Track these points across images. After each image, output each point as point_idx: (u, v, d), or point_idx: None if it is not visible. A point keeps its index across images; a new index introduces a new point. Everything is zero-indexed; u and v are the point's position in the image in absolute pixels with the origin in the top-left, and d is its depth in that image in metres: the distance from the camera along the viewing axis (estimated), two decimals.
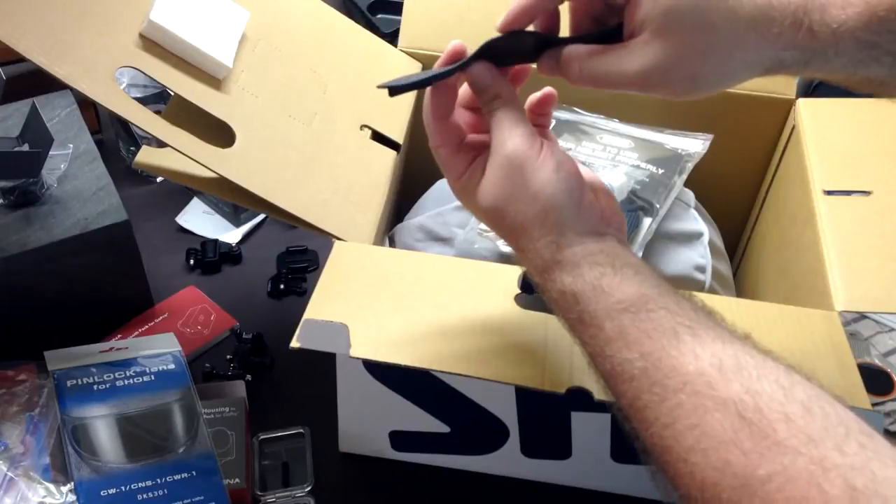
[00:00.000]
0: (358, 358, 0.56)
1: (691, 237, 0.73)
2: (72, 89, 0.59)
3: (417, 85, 0.52)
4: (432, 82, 0.51)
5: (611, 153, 0.74)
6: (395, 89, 0.51)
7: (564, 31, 0.52)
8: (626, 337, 0.44)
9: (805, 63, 0.47)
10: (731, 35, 0.45)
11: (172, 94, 0.65)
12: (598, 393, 0.54)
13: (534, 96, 0.54)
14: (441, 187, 0.81)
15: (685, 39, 0.45)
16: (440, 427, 0.69)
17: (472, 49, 0.51)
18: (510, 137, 0.48)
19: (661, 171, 0.72)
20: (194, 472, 0.67)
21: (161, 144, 0.62)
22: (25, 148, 0.75)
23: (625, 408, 0.44)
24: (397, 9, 0.84)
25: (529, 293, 0.60)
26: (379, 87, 0.51)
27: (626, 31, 0.48)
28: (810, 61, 0.47)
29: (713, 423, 0.39)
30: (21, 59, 0.57)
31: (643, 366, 0.42)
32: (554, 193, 0.48)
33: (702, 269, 0.71)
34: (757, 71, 0.47)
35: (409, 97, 0.80)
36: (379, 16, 1.08)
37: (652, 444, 0.42)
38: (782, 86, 0.79)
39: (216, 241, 0.92)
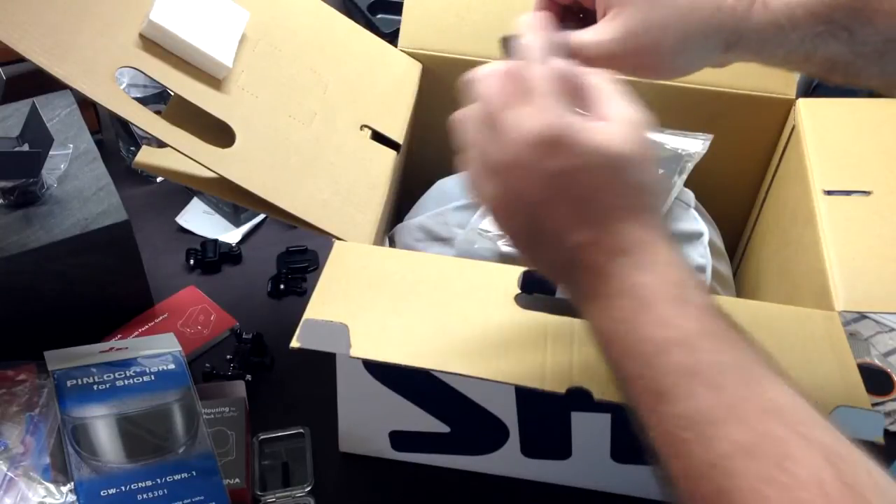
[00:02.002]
0: (358, 358, 0.56)
1: (691, 237, 0.73)
2: (72, 89, 0.59)
3: None
4: None
5: None
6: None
7: None
8: (728, 340, 0.40)
9: (764, 40, 0.48)
10: (687, 5, 0.48)
11: (172, 94, 0.65)
12: (599, 393, 0.54)
13: None
14: (441, 187, 0.81)
15: (645, 11, 0.48)
16: (440, 427, 0.69)
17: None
18: (628, 100, 0.45)
19: (660, 172, 0.72)
20: (194, 472, 0.67)
21: (161, 144, 0.62)
22: (25, 148, 0.75)
23: (681, 414, 0.38)
24: (397, 9, 0.84)
25: (529, 293, 0.60)
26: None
27: (598, 13, 0.51)
28: (769, 38, 0.48)
29: (799, 458, 0.35)
30: (21, 59, 0.57)
31: (735, 376, 0.38)
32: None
33: (702, 269, 0.71)
34: (719, 46, 0.49)
35: (410, 97, 0.80)
36: (379, 16, 1.08)
37: (709, 464, 0.37)
38: (782, 86, 0.79)
39: (216, 241, 0.92)
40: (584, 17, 0.53)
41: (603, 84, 0.45)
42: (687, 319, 0.40)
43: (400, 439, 0.72)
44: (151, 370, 0.73)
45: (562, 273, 0.45)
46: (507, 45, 0.49)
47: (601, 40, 0.49)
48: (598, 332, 0.43)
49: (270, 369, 0.80)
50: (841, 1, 0.47)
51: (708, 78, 0.76)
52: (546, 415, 0.66)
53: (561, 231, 0.43)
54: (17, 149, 0.75)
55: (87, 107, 0.93)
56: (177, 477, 0.66)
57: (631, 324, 0.41)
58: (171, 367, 0.74)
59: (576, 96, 0.44)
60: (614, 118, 0.43)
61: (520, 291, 0.60)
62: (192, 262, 0.90)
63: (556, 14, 0.54)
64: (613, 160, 0.42)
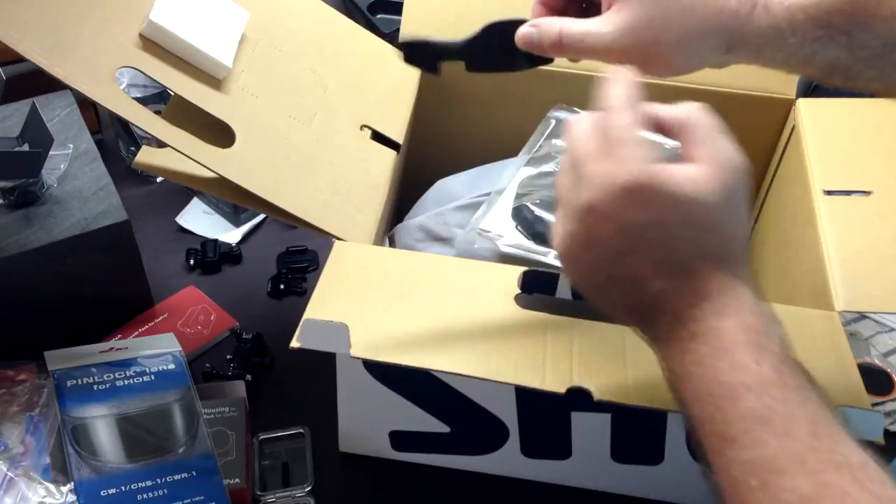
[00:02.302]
0: (358, 358, 0.56)
1: None
2: (72, 89, 0.59)
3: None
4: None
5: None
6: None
7: None
8: (803, 393, 0.39)
9: (764, 43, 0.48)
10: (690, 4, 0.48)
11: (172, 94, 0.65)
12: (598, 393, 0.54)
13: None
14: (441, 187, 0.81)
15: (648, 7, 0.48)
16: (440, 427, 0.69)
17: None
18: (725, 139, 0.44)
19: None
20: (194, 472, 0.67)
21: (161, 144, 0.62)
22: (25, 148, 0.75)
23: (747, 460, 0.38)
24: (397, 9, 0.84)
25: (529, 293, 0.60)
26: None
27: (602, 5, 0.51)
28: (770, 41, 0.48)
29: None
30: (21, 59, 0.57)
31: (806, 429, 0.38)
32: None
33: None
34: (719, 47, 0.49)
35: (410, 97, 0.80)
36: (379, 16, 1.08)
37: None
38: (782, 86, 0.79)
39: (216, 241, 0.92)
40: (587, 10, 0.53)
41: (699, 120, 0.44)
42: (763, 367, 0.39)
43: (400, 439, 0.72)
44: (151, 370, 0.73)
45: (637, 316, 0.45)
46: (406, 51, 0.52)
47: (603, 31, 0.49)
48: (672, 373, 0.43)
49: (270, 369, 0.80)
50: (840, 6, 0.47)
51: (708, 78, 0.76)
52: (546, 415, 0.66)
53: (641, 279, 0.43)
54: (17, 149, 0.75)
55: (87, 107, 0.93)
56: (177, 477, 0.66)
57: (706, 367, 0.41)
58: (171, 367, 0.74)
59: (671, 131, 0.45)
60: (705, 160, 0.42)
61: (520, 291, 0.60)
62: (192, 262, 0.90)
63: (559, 6, 0.54)
64: (700, 210, 0.41)
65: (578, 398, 0.54)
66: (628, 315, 0.46)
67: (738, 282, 0.42)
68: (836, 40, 0.48)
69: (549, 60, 0.55)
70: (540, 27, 0.52)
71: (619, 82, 0.45)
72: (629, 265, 0.43)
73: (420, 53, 0.53)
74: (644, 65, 0.49)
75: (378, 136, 0.75)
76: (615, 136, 0.43)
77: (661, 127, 0.45)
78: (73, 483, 0.64)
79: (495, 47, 0.54)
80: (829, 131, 0.74)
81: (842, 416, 0.40)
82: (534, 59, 0.54)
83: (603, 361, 0.56)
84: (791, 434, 0.38)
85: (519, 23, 0.54)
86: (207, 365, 0.79)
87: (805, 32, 0.48)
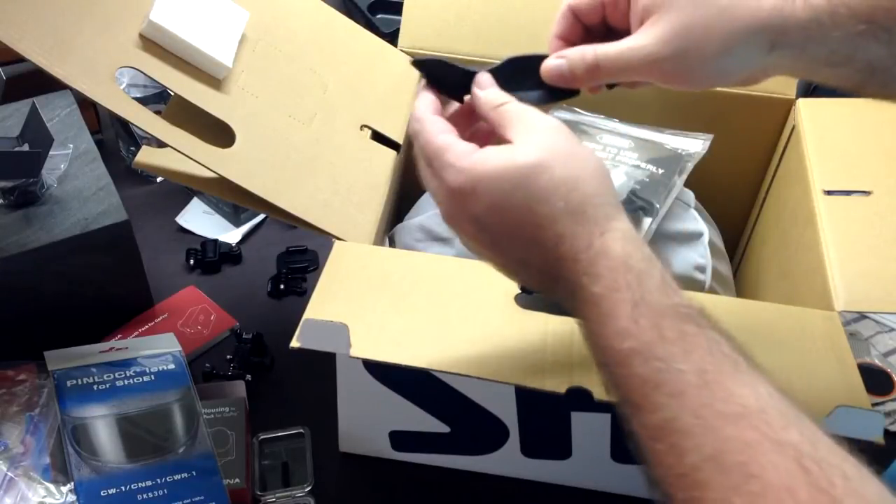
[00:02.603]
0: (358, 358, 0.56)
1: (691, 237, 0.73)
2: (72, 89, 0.59)
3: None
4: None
5: (611, 153, 0.74)
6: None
7: None
8: (685, 344, 0.39)
9: (807, 38, 0.47)
10: (729, 4, 0.47)
11: (172, 94, 0.65)
12: (599, 393, 0.54)
13: None
14: None
15: (688, 13, 0.47)
16: (440, 427, 0.69)
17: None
18: (541, 115, 0.46)
19: (661, 171, 0.72)
20: (194, 472, 0.67)
21: (161, 144, 0.62)
22: (25, 148, 0.75)
23: (651, 425, 0.39)
24: (397, 9, 0.84)
25: (529, 293, 0.60)
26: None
27: (633, 25, 0.50)
28: (812, 35, 0.47)
29: (767, 465, 0.34)
30: (21, 59, 0.57)
31: (696, 383, 0.38)
32: (601, 163, 0.46)
33: (702, 269, 0.71)
34: (763, 46, 0.48)
35: (410, 97, 0.80)
36: (379, 16, 1.08)
37: (680, 474, 0.37)
38: (782, 86, 0.79)
39: (216, 241, 0.92)
40: (609, 37, 0.52)
41: (507, 111, 0.47)
42: (642, 324, 0.40)
43: (400, 439, 0.72)
44: (151, 370, 0.73)
45: (547, 289, 0.47)
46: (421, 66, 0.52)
47: (642, 45, 0.48)
48: (583, 336, 0.45)
49: (270, 369, 0.80)
50: (882, 1, 0.46)
51: None
52: (546, 415, 0.66)
53: (522, 259, 0.46)
54: (17, 149, 0.75)
55: (87, 107, 0.93)
56: (177, 477, 0.66)
57: (598, 338, 0.42)
58: (171, 367, 0.74)
59: (487, 122, 0.49)
60: (517, 136, 0.45)
61: (520, 291, 0.60)
62: (192, 262, 0.90)
63: (580, 35, 0.53)
64: (520, 177, 0.44)
65: (578, 398, 0.54)
66: (543, 289, 0.48)
67: (598, 231, 0.43)
68: (878, 37, 0.47)
69: (575, 93, 0.53)
70: (569, 57, 0.51)
71: (421, 98, 0.50)
72: (506, 250, 0.46)
73: (439, 75, 0.52)
74: (688, 75, 0.49)
75: (378, 136, 0.75)
76: (429, 147, 0.47)
77: (475, 121, 0.50)
78: (73, 483, 0.64)
79: (517, 81, 0.52)
80: (829, 131, 0.74)
81: (738, 350, 0.40)
82: (558, 92, 0.53)
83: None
84: (683, 392, 0.38)
85: (541, 58, 0.52)
86: (207, 365, 0.79)
87: (847, 27, 0.47)
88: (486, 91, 0.50)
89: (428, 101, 0.50)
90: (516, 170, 0.44)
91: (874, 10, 0.46)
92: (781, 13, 0.47)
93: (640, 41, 0.48)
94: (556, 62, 0.51)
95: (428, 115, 0.49)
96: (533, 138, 0.45)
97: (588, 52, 0.50)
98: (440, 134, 0.47)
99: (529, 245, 0.45)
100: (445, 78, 0.52)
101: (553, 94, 0.53)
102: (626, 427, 0.41)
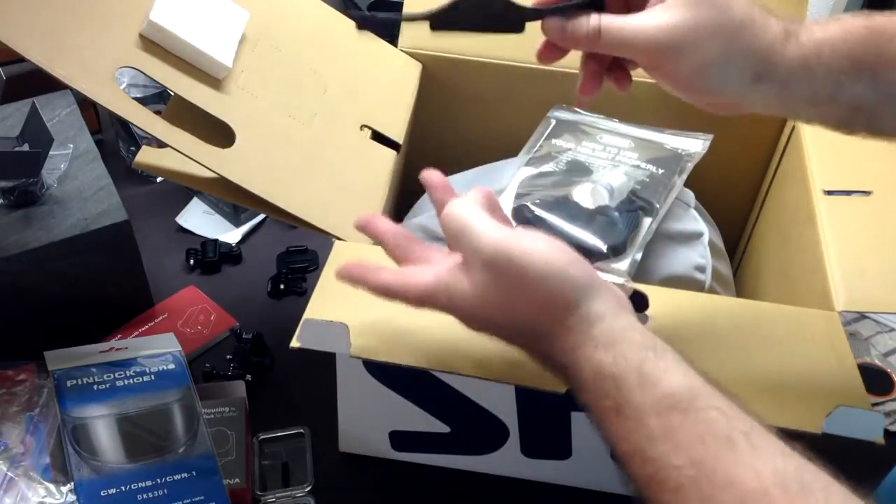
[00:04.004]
0: (358, 358, 0.56)
1: (691, 237, 0.73)
2: (72, 89, 0.59)
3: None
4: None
5: (611, 153, 0.74)
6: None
7: None
8: (675, 439, 0.39)
9: (791, 75, 0.48)
10: (739, 20, 0.47)
11: (172, 94, 0.65)
12: None
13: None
14: None
15: (701, 12, 0.47)
16: (440, 427, 0.69)
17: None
18: (480, 234, 0.45)
19: (661, 171, 0.72)
20: (194, 472, 0.67)
21: (161, 144, 0.62)
22: (25, 148, 0.75)
23: None
24: (397, 9, 0.84)
25: None
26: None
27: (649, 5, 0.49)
28: (796, 72, 0.48)
29: None
30: (21, 59, 0.57)
31: (694, 475, 0.37)
32: (563, 268, 0.45)
33: (702, 269, 0.71)
34: (749, 75, 0.48)
35: (410, 97, 0.80)
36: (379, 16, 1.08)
37: None
38: None
39: (216, 241, 0.92)
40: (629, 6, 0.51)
41: (447, 227, 0.48)
42: (632, 430, 0.41)
43: (400, 439, 0.72)
44: (151, 370, 0.73)
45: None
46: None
47: (646, 27, 0.48)
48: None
49: (270, 369, 0.80)
50: (866, 41, 0.47)
51: None
52: (546, 415, 0.66)
53: (515, 336, 0.48)
54: (17, 149, 0.75)
55: (87, 107, 0.93)
56: (177, 477, 0.66)
57: (600, 434, 0.44)
58: (171, 367, 0.74)
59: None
60: (460, 258, 0.47)
61: None
62: (192, 262, 0.90)
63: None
64: (468, 307, 0.47)
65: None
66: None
67: (568, 352, 0.44)
68: (861, 77, 0.48)
69: (518, 30, 0.52)
70: (572, 18, 0.50)
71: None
72: (505, 326, 0.48)
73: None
74: (676, 72, 0.49)
75: (378, 136, 0.75)
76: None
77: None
78: (73, 483, 0.64)
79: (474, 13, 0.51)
80: (828, 131, 0.74)
81: (733, 405, 0.40)
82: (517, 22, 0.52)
83: None
84: (683, 487, 0.38)
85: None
86: (207, 365, 0.79)
87: (831, 66, 0.47)
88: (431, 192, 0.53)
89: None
90: (481, 317, 0.47)
91: (857, 48, 0.47)
92: (774, 49, 0.48)
93: (648, 22, 0.48)
94: (560, 22, 0.50)
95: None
96: (480, 280, 0.46)
97: (594, 17, 0.49)
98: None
99: (518, 337, 0.48)
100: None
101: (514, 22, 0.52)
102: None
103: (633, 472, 0.41)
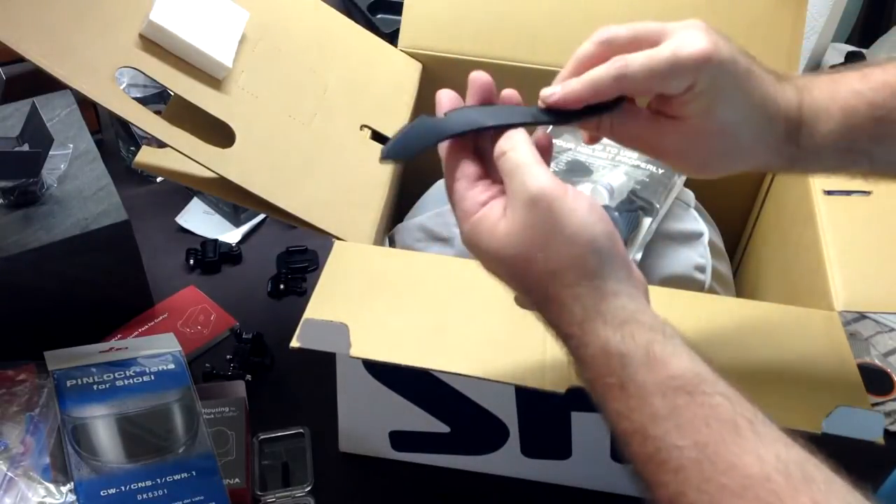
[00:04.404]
0: (358, 358, 0.56)
1: (691, 237, 0.73)
2: (72, 89, 0.59)
3: (423, 145, 0.48)
4: (442, 139, 0.48)
5: (611, 153, 0.74)
6: (396, 153, 0.48)
7: None
8: (679, 419, 0.38)
9: (790, 166, 0.50)
10: (752, 121, 0.47)
11: (172, 94, 0.65)
12: None
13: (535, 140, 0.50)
14: (441, 187, 0.81)
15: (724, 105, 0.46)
16: (440, 427, 0.69)
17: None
18: (533, 176, 0.44)
19: (661, 171, 0.72)
20: (194, 472, 0.67)
21: (161, 144, 0.62)
22: (25, 148, 0.75)
23: (663, 500, 0.38)
24: (397, 9, 0.84)
25: None
26: (381, 160, 0.49)
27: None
28: (794, 165, 0.50)
29: None
30: (21, 59, 0.57)
31: (696, 457, 0.37)
32: (594, 235, 0.43)
33: (702, 269, 0.71)
34: (749, 164, 0.49)
35: (410, 97, 0.80)
36: (379, 16, 1.08)
37: None
38: None
39: (216, 241, 0.92)
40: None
41: (508, 157, 0.46)
42: (634, 408, 0.40)
43: (400, 439, 0.72)
44: (151, 370, 0.73)
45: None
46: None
47: (666, 51, 0.45)
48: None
49: (270, 369, 0.80)
50: (866, 132, 0.48)
51: None
52: (546, 415, 0.66)
53: (527, 291, 0.47)
54: (17, 149, 0.75)
55: (87, 107, 0.93)
56: (177, 477, 0.66)
57: (601, 412, 0.43)
58: (171, 367, 0.74)
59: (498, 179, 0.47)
60: (510, 197, 0.45)
61: None
62: (192, 262, 0.90)
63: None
64: (505, 263, 0.45)
65: (578, 398, 0.54)
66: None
67: (578, 324, 0.43)
68: (857, 163, 0.50)
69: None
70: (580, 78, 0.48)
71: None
72: (512, 281, 0.47)
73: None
74: (691, 151, 0.48)
75: (378, 136, 0.75)
76: (451, 197, 0.48)
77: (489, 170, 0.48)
78: (73, 483, 0.64)
79: None
80: None
81: (738, 395, 0.40)
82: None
83: None
84: (684, 468, 0.38)
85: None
86: (207, 365, 0.79)
87: (828, 160, 0.49)
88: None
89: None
90: (501, 256, 0.45)
91: (854, 140, 0.48)
92: (774, 151, 0.49)
93: (669, 47, 0.46)
94: (554, 90, 0.48)
95: (460, 154, 0.48)
96: (517, 215, 0.44)
97: (617, 61, 0.47)
98: (460, 180, 0.47)
99: (537, 303, 0.47)
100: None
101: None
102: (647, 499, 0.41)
103: (632, 451, 0.40)
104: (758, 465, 0.36)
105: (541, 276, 0.44)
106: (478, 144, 0.49)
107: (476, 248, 0.46)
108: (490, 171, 0.48)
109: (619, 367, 0.41)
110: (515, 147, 0.45)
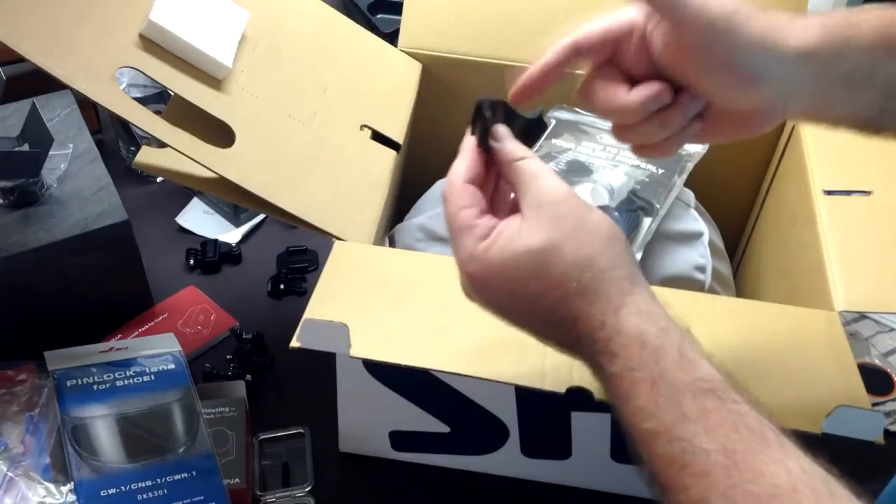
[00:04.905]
0: (358, 358, 0.56)
1: (691, 237, 0.73)
2: (72, 89, 0.59)
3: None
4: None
5: (611, 153, 0.74)
6: None
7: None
8: (708, 422, 0.38)
9: (827, 56, 0.45)
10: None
11: (172, 94, 0.65)
12: (599, 393, 0.54)
13: None
14: (441, 187, 0.81)
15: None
16: (440, 427, 0.69)
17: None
18: (555, 180, 0.44)
19: (661, 171, 0.72)
20: (194, 472, 0.67)
21: (161, 144, 0.62)
22: (25, 148, 0.75)
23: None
24: (397, 9, 0.84)
25: None
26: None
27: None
28: (831, 51, 0.45)
29: None
30: (21, 59, 0.57)
31: (724, 462, 0.36)
32: (617, 231, 0.44)
33: (702, 269, 0.71)
34: (790, 54, 0.45)
35: (410, 97, 0.80)
36: (379, 16, 1.08)
37: None
38: None
39: (216, 241, 0.92)
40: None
41: (519, 170, 0.46)
42: (664, 407, 0.39)
43: (400, 439, 0.72)
44: (151, 370, 0.73)
45: (571, 356, 0.46)
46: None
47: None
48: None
49: (270, 369, 0.80)
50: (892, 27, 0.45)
51: None
52: (546, 415, 0.66)
53: (540, 334, 0.46)
54: (17, 149, 0.75)
55: (87, 107, 0.93)
56: (177, 477, 0.66)
57: (621, 412, 0.42)
58: (171, 367, 0.74)
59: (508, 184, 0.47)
60: (525, 209, 0.44)
61: None
62: (192, 262, 0.90)
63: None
64: (531, 265, 0.43)
65: (578, 398, 0.54)
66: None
67: (613, 311, 0.42)
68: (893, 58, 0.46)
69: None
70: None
71: (459, 158, 0.48)
72: (525, 326, 0.46)
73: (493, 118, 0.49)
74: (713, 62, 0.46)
75: (378, 136, 0.75)
76: (451, 225, 0.46)
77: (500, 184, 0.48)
78: (73, 483, 0.64)
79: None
80: (829, 131, 0.74)
81: (761, 409, 0.39)
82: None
83: None
84: (710, 473, 0.37)
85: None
86: (207, 365, 0.79)
87: (865, 44, 0.45)
88: (503, 143, 0.48)
89: (464, 165, 0.48)
90: (527, 257, 0.43)
91: (885, 32, 0.45)
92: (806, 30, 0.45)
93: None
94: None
95: (458, 183, 0.47)
96: (542, 214, 0.44)
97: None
98: (462, 211, 0.46)
99: (546, 325, 0.45)
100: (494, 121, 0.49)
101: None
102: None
103: (653, 452, 0.39)
104: (785, 476, 0.35)
105: (571, 265, 0.43)
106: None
107: (489, 269, 0.44)
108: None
109: (652, 361, 0.40)
110: (528, 156, 0.46)
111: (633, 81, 0.49)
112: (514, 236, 0.44)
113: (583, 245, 0.43)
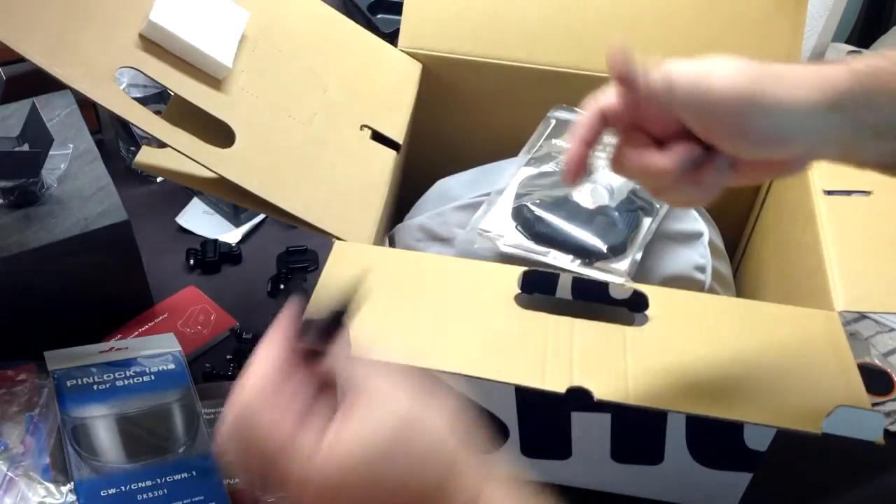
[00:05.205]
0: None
1: (691, 237, 0.73)
2: (72, 89, 0.59)
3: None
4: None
5: (611, 153, 0.74)
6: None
7: None
8: None
9: (856, 102, 0.45)
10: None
11: (172, 94, 0.65)
12: (599, 393, 0.54)
13: None
14: (441, 187, 0.81)
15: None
16: None
17: None
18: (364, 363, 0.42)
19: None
20: (194, 472, 0.67)
21: (161, 144, 0.62)
22: (25, 148, 0.75)
23: None
24: (397, 9, 0.84)
25: (529, 293, 0.60)
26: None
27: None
28: (859, 99, 0.45)
29: None
30: (21, 59, 0.57)
31: None
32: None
33: (702, 269, 0.71)
34: (825, 104, 0.46)
35: (410, 97, 0.80)
36: (379, 16, 1.08)
37: None
38: None
39: (216, 241, 0.92)
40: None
41: (347, 375, 0.44)
42: None
43: None
44: (151, 370, 0.73)
45: None
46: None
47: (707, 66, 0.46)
48: None
49: None
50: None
51: None
52: (546, 415, 0.66)
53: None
54: (17, 149, 0.75)
55: (87, 107, 0.93)
56: (177, 477, 0.66)
57: None
58: (171, 367, 0.74)
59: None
60: (347, 420, 0.41)
61: (520, 291, 0.60)
62: (192, 262, 0.90)
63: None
64: (345, 488, 0.39)
65: (578, 398, 0.54)
66: None
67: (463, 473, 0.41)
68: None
69: None
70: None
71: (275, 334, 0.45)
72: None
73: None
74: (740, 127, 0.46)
75: (378, 136, 0.75)
76: (271, 450, 0.40)
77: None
78: (73, 483, 0.64)
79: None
80: None
81: None
82: None
83: (603, 361, 0.56)
84: None
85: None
86: (207, 365, 0.79)
87: (890, 97, 0.45)
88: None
89: (268, 365, 0.44)
90: (337, 479, 0.39)
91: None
92: (838, 77, 0.45)
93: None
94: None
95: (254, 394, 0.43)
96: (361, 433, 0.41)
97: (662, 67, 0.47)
98: (282, 422, 0.41)
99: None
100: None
101: None
102: None
103: None
104: None
105: (390, 484, 0.40)
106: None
107: (348, 475, 0.39)
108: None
109: None
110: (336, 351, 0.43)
111: (662, 143, 0.49)
112: (360, 428, 0.41)
113: (405, 472, 0.40)
